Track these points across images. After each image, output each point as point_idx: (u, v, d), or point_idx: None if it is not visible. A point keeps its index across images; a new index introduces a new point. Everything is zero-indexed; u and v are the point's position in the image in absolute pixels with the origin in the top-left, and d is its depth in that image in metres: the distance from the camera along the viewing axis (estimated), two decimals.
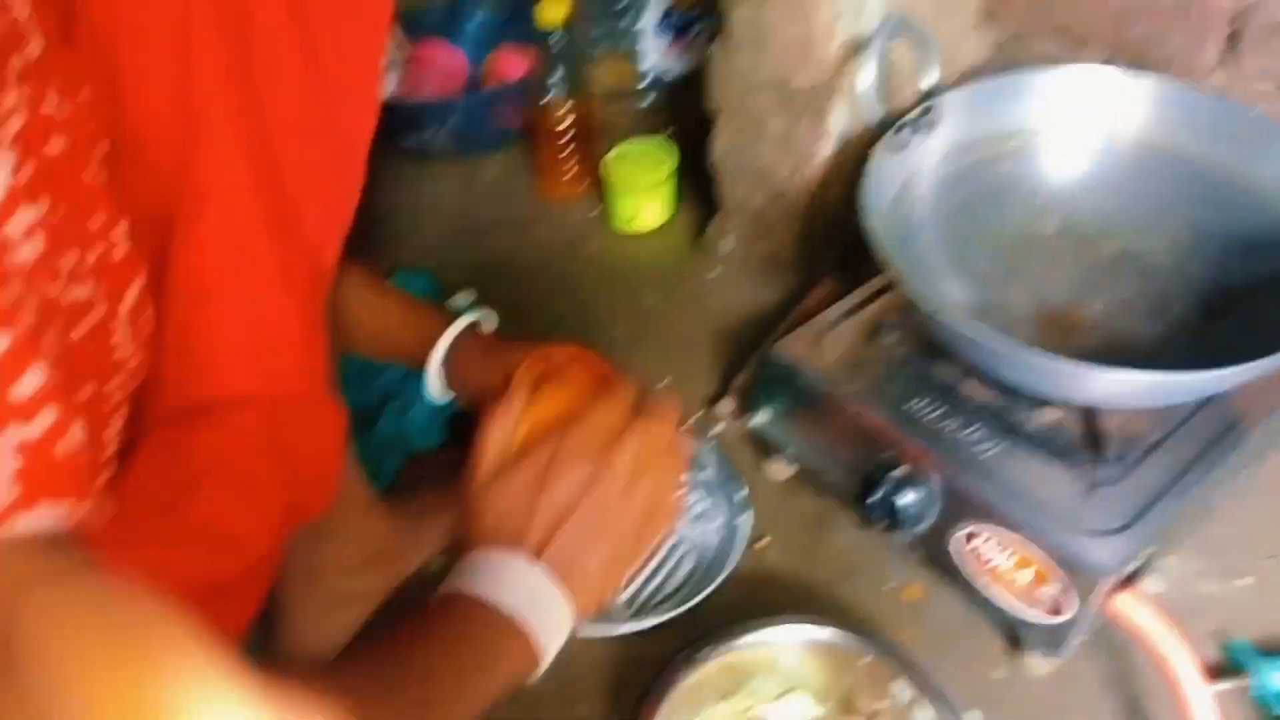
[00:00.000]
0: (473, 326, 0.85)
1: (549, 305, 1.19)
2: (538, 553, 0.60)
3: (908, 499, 0.82)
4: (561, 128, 1.28)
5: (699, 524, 0.94)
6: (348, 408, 0.77)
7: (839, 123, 1.05)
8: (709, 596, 0.86)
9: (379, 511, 0.83)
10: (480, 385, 0.82)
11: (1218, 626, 0.86)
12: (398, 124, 1.35)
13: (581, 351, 0.82)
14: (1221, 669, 0.83)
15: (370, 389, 1.01)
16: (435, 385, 0.85)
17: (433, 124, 1.35)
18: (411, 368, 0.88)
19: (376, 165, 0.66)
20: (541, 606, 0.59)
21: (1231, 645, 0.83)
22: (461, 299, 1.17)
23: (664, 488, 0.64)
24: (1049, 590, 0.76)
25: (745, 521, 0.91)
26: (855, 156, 0.95)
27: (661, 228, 1.30)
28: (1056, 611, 0.77)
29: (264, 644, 0.83)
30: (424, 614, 0.58)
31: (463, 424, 1.04)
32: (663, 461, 0.64)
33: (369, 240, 0.86)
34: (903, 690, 0.75)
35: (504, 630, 0.58)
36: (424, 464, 0.99)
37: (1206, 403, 0.85)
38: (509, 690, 0.59)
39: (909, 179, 0.93)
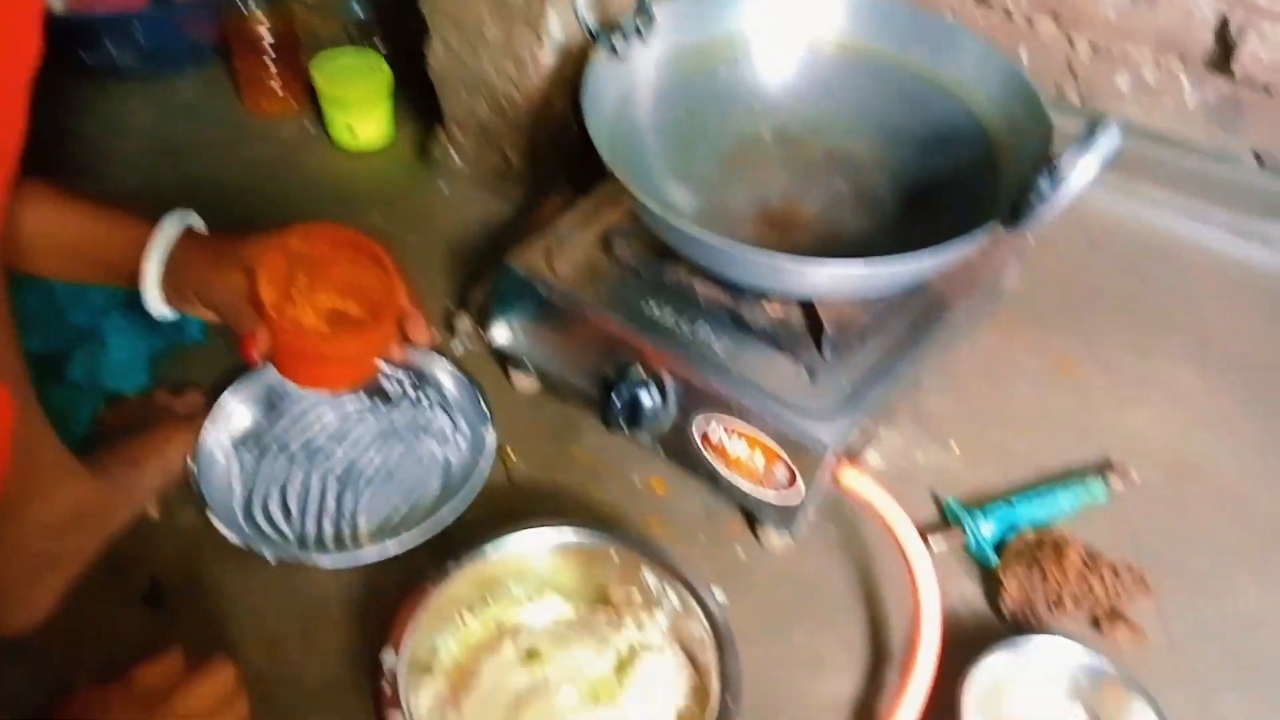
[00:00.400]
0: (186, 229, 0.79)
1: (264, 227, 1.11)
2: None
3: (646, 399, 0.84)
4: (263, 41, 1.19)
5: (443, 444, 0.92)
6: (32, 354, 0.70)
7: (555, 31, 1.03)
8: (459, 515, 0.85)
9: (74, 466, 0.75)
10: (212, 276, 0.77)
11: (933, 488, 0.94)
12: (74, 41, 1.21)
13: (313, 227, 0.81)
14: (939, 525, 0.91)
15: (58, 329, 0.90)
16: (155, 301, 0.78)
17: (113, 39, 1.22)
18: (119, 284, 0.80)
19: (54, 87, 0.58)
20: None
21: (946, 502, 0.91)
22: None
23: None
24: (779, 472, 0.81)
25: (490, 435, 0.90)
26: (576, 66, 0.94)
27: (384, 144, 1.24)
28: (788, 490, 0.81)
29: None
30: None
31: (167, 363, 0.96)
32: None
33: (52, 171, 0.76)
34: (649, 579, 0.77)
35: None
36: (126, 409, 0.91)
37: (913, 289, 0.91)
38: None
39: (630, 87, 0.93)
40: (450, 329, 1.02)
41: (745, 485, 0.83)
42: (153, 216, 0.80)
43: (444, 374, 0.95)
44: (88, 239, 0.77)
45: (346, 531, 0.86)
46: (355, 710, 0.74)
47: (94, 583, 0.80)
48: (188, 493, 0.86)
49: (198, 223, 0.82)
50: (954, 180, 0.93)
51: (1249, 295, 1.15)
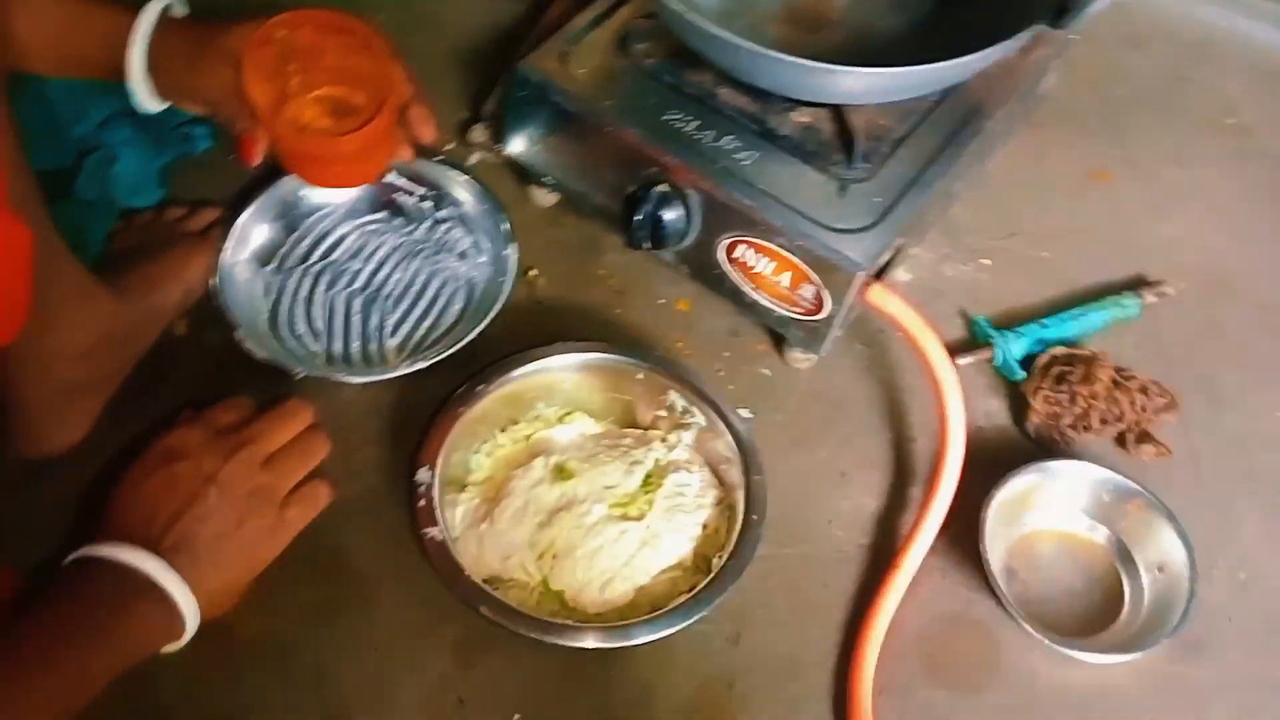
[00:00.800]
0: (166, 13, 0.75)
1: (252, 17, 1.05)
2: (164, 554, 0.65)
3: (670, 215, 0.81)
4: None
5: (464, 261, 0.91)
6: (37, 171, 0.68)
7: None
8: (483, 332, 0.84)
9: (96, 288, 0.74)
10: (199, 69, 0.75)
11: (963, 306, 0.92)
12: None
13: (299, 13, 0.76)
14: (968, 344, 0.90)
15: (63, 145, 0.87)
16: (143, 93, 0.76)
17: None
18: (107, 77, 0.77)
19: None
20: (173, 579, 0.64)
21: (975, 321, 0.90)
22: None
23: (298, 494, 0.72)
24: (807, 291, 0.79)
25: (512, 253, 0.88)
26: None
27: None
28: (816, 309, 0.80)
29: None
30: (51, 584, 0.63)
31: (179, 175, 0.94)
32: (287, 469, 0.72)
33: None
34: (676, 399, 0.77)
35: (138, 586, 0.63)
36: (139, 225, 0.89)
37: (947, 94, 0.86)
38: (148, 651, 0.65)
39: None
40: (464, 139, 0.98)
41: (771, 304, 0.82)
42: (130, 8, 0.76)
43: (461, 189, 0.92)
44: (73, 31, 0.74)
45: (374, 350, 0.85)
46: (393, 521, 0.76)
47: (125, 403, 0.81)
48: (211, 311, 0.85)
49: (178, 8, 0.78)
50: None
51: None
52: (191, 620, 0.65)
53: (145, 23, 0.73)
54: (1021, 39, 0.74)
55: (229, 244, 0.86)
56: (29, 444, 0.74)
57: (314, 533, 0.76)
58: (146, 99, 0.77)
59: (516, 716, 0.70)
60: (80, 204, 0.87)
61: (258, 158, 0.78)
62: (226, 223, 0.88)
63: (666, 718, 0.71)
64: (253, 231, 0.89)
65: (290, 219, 0.90)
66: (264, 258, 0.89)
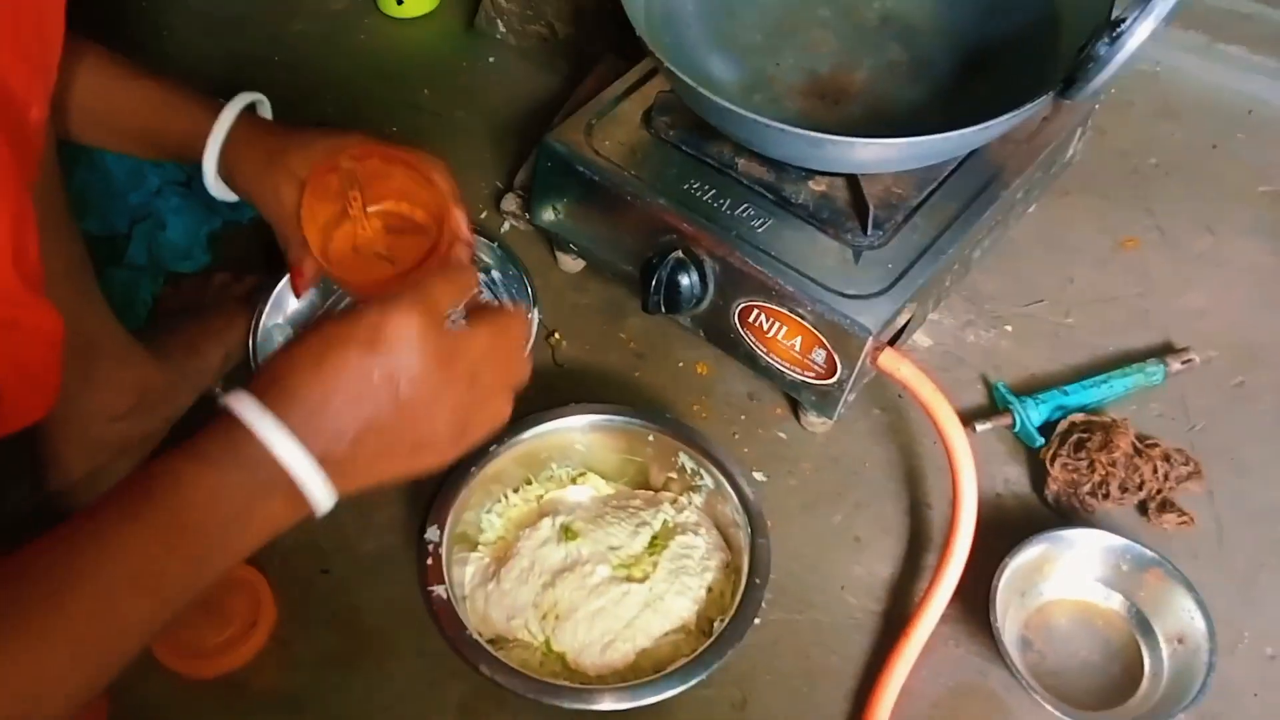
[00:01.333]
0: (250, 110, 0.74)
1: (314, 105, 1.11)
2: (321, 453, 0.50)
3: (685, 281, 0.83)
4: None
5: None
6: (92, 236, 0.71)
7: None
8: None
9: (137, 352, 0.78)
10: (264, 183, 0.73)
11: (984, 372, 0.92)
12: None
13: (374, 144, 0.74)
14: (988, 410, 0.89)
15: (117, 210, 0.93)
16: (213, 181, 0.74)
17: None
18: (177, 160, 0.79)
19: None
20: (324, 493, 0.51)
21: (996, 387, 0.90)
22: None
23: (488, 410, 0.56)
24: (819, 356, 0.80)
25: (534, 316, 0.91)
26: None
27: (431, 14, 1.22)
28: (828, 374, 0.80)
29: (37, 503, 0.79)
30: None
31: (225, 243, 0.98)
32: (498, 379, 0.57)
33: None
34: (686, 461, 0.78)
35: (283, 490, 0.49)
36: (185, 289, 0.93)
37: (965, 163, 0.87)
38: (273, 526, 0.51)
39: None
40: (497, 208, 1.02)
41: (785, 368, 0.83)
42: (213, 96, 0.76)
43: (490, 255, 0.95)
44: (147, 115, 0.73)
45: None
46: (406, 578, 0.78)
47: None
48: (249, 373, 0.88)
49: (264, 107, 0.78)
50: (1013, 45, 0.88)
51: None
52: (322, 500, 0.51)
53: (224, 124, 0.72)
54: (1030, 109, 0.75)
55: (266, 307, 0.90)
56: (66, 501, 0.78)
57: (330, 589, 0.79)
58: (221, 191, 0.76)
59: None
60: (129, 268, 0.92)
61: (304, 290, 0.77)
62: (265, 287, 0.92)
63: None
64: (289, 296, 0.92)
65: (326, 283, 0.94)
66: (300, 322, 0.92)
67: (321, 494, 0.51)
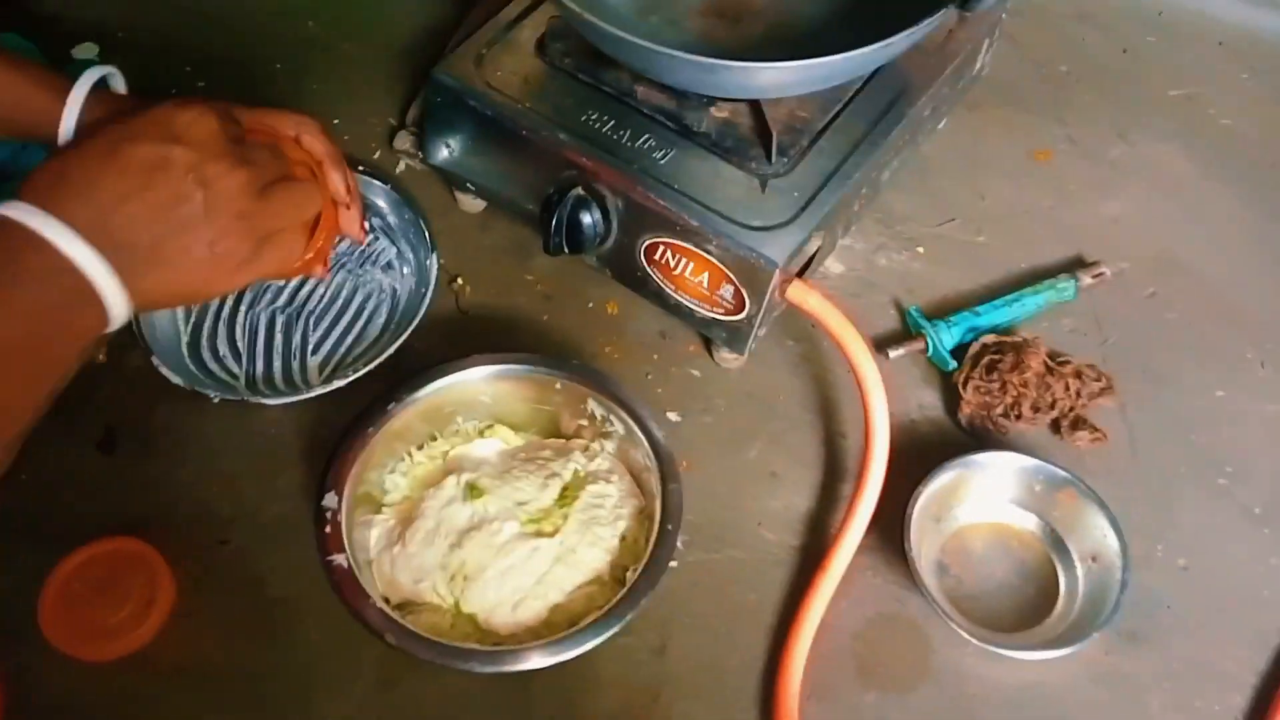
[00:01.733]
0: (100, 86, 0.70)
1: (194, 44, 1.04)
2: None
3: (586, 219, 0.80)
4: None
5: (389, 273, 0.90)
6: None
7: None
8: (406, 346, 0.83)
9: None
10: None
11: (897, 296, 0.91)
12: None
13: (246, 108, 0.67)
14: (901, 335, 0.88)
15: None
16: None
17: None
18: (30, 142, 0.74)
19: None
20: (100, 269, 0.51)
21: (908, 312, 0.88)
22: (82, 52, 1.01)
23: (283, 238, 0.59)
24: (727, 292, 0.78)
25: (434, 261, 0.87)
26: None
27: None
28: (737, 309, 0.78)
29: None
30: None
31: None
32: (289, 204, 0.59)
33: None
34: (595, 407, 0.76)
35: (49, 262, 0.50)
36: None
37: (869, 82, 0.85)
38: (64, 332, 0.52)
39: None
40: (391, 147, 0.97)
41: (694, 305, 0.80)
42: (63, 75, 0.70)
43: (385, 199, 0.90)
44: None
45: (296, 369, 0.84)
46: (310, 544, 0.74)
47: (47, 432, 0.80)
48: (133, 335, 0.84)
49: (117, 80, 0.72)
50: None
51: (1255, 69, 1.07)
52: (117, 307, 0.53)
53: (73, 109, 0.67)
54: (930, 25, 0.72)
55: None
56: None
57: (231, 560, 0.76)
58: None
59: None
60: None
61: None
62: None
63: None
64: None
65: None
66: None
67: (117, 301, 0.52)
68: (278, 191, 0.60)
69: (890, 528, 0.76)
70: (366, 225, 0.90)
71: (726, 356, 0.85)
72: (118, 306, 0.52)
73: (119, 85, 0.72)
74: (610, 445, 0.77)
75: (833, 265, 0.91)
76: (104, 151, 0.52)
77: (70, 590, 0.72)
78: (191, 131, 0.54)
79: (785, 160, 0.80)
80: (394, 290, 0.89)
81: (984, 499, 0.79)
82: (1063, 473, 0.77)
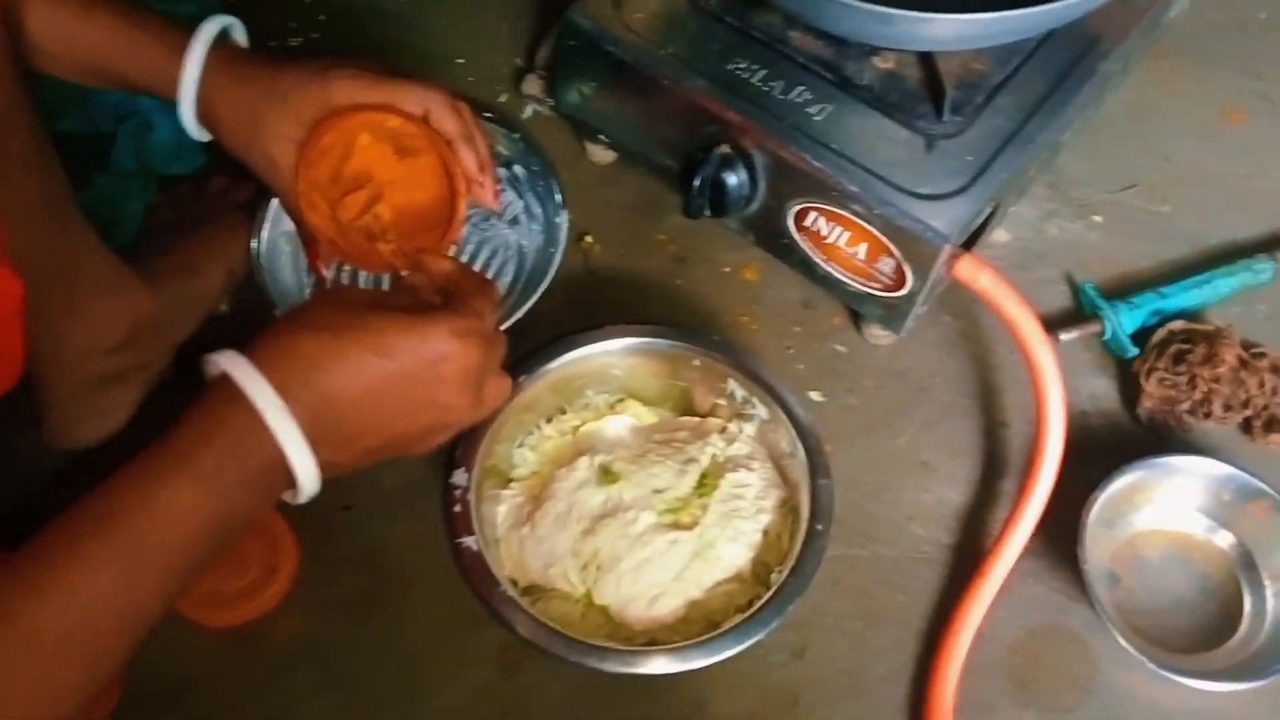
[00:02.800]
0: (221, 39, 0.65)
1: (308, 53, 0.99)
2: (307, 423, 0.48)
3: (732, 180, 0.73)
4: None
5: (515, 228, 0.85)
6: (73, 137, 0.62)
7: None
8: (533, 308, 0.78)
9: (127, 278, 0.70)
10: (252, 149, 0.65)
11: (1069, 270, 0.83)
12: None
13: (363, 84, 0.63)
14: (1073, 316, 0.80)
15: (97, 107, 0.83)
16: (194, 128, 0.66)
17: None
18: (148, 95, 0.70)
19: None
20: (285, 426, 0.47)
21: (1083, 289, 0.80)
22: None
23: (460, 408, 0.53)
24: (887, 264, 0.71)
25: (564, 221, 0.82)
26: None
27: None
28: (896, 285, 0.71)
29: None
30: None
31: None
32: (471, 379, 0.53)
33: None
34: (735, 388, 0.71)
35: (240, 415, 0.46)
36: (179, 197, 0.84)
37: (1055, 31, 0.75)
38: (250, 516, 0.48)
39: None
40: (518, 91, 0.91)
41: (846, 278, 0.73)
42: (183, 27, 0.65)
43: (510, 148, 0.85)
44: (106, 52, 0.64)
45: None
46: (433, 514, 0.71)
47: (166, 388, 0.78)
48: (255, 286, 0.81)
49: (238, 30, 0.67)
50: None
51: None
52: (307, 484, 0.49)
53: (193, 65, 0.62)
54: None
55: (269, 214, 0.81)
56: (62, 436, 0.72)
57: (353, 528, 0.73)
58: (204, 137, 0.67)
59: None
60: (117, 177, 0.83)
61: (326, 267, 0.76)
62: (268, 192, 0.83)
63: None
64: None
65: None
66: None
67: (310, 487, 0.49)
68: (489, 393, 0.55)
69: (1053, 530, 0.70)
70: (498, 186, 0.85)
71: (877, 333, 0.79)
72: (308, 491, 0.50)
73: (240, 36, 0.67)
74: (750, 428, 0.71)
75: (997, 234, 0.83)
76: (352, 353, 0.49)
77: None
78: (449, 368, 0.51)
79: (958, 119, 0.72)
80: (520, 247, 0.84)
81: (1165, 505, 0.72)
82: (1258, 483, 0.69)
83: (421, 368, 0.50)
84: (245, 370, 0.47)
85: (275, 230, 0.81)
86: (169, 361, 0.77)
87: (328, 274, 0.75)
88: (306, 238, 0.71)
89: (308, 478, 0.48)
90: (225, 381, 0.47)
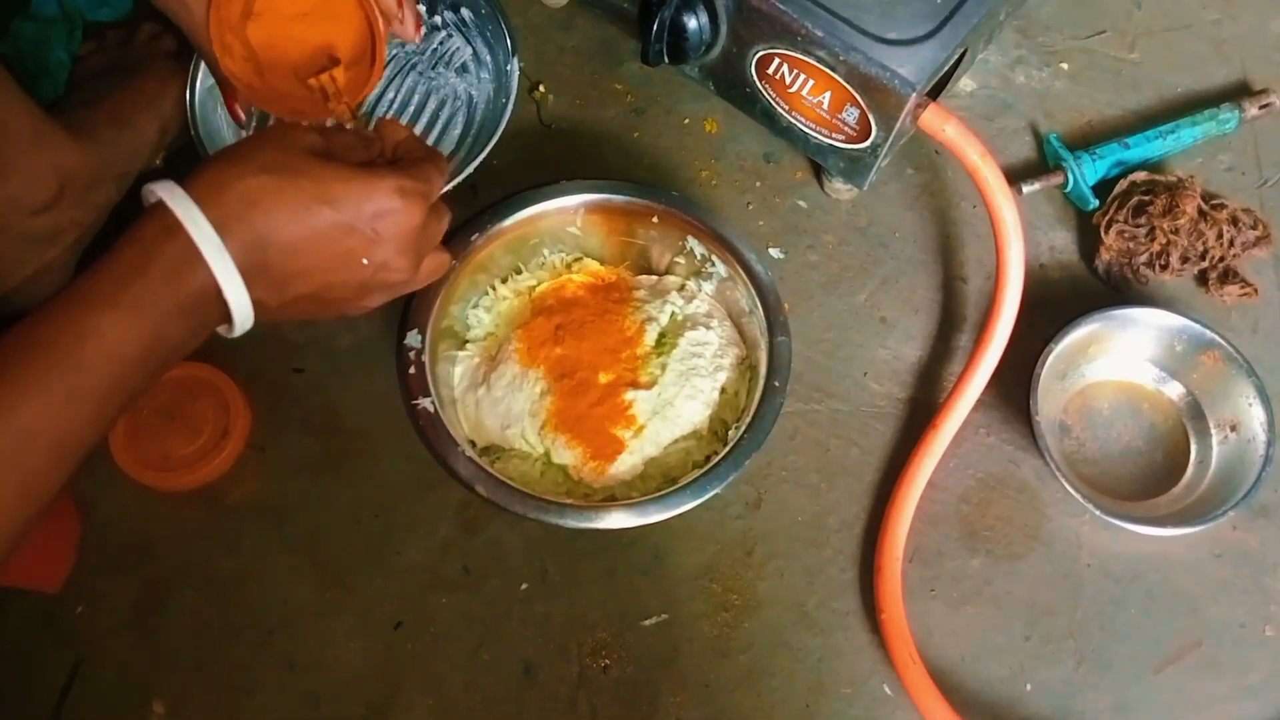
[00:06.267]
0: None
1: None
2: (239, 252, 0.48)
3: (692, 24, 0.70)
4: None
5: (464, 76, 0.81)
6: None
7: None
8: (484, 162, 0.75)
9: (52, 131, 0.66)
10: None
11: (1034, 120, 0.81)
12: None
13: None
14: (1037, 167, 0.79)
15: None
16: None
17: None
18: None
19: None
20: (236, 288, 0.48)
21: (1047, 140, 0.78)
22: None
23: (397, 270, 0.53)
24: (851, 113, 0.68)
25: (515, 67, 0.78)
26: None
27: None
28: (860, 136, 0.69)
29: None
30: None
31: None
32: (408, 242, 0.53)
33: None
34: (694, 245, 0.69)
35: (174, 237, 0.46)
36: (107, 45, 0.79)
37: None
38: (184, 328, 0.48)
39: None
40: None
41: (809, 129, 0.71)
42: None
43: None
44: None
45: None
46: (388, 374, 0.70)
47: (104, 248, 0.75)
48: (191, 140, 0.77)
49: None
50: None
51: None
52: (241, 318, 0.49)
53: None
54: None
55: (202, 64, 0.77)
56: (10, 306, 0.69)
57: (306, 390, 0.72)
58: None
59: (524, 586, 0.67)
60: (39, 23, 0.78)
61: (243, 113, 0.73)
62: None
63: (680, 587, 0.67)
64: None
65: None
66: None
67: (244, 321, 0.49)
68: (427, 265, 0.56)
69: (1007, 382, 0.71)
70: (440, 19, 0.80)
71: (839, 187, 0.77)
72: (241, 326, 0.50)
73: None
74: (709, 286, 0.70)
75: (964, 81, 0.81)
76: (294, 197, 0.49)
77: (140, 418, 0.68)
78: (388, 225, 0.51)
79: None
80: (470, 97, 0.80)
81: (1117, 357, 0.72)
82: (1210, 333, 0.69)
83: (362, 221, 0.50)
84: (182, 201, 0.47)
85: (209, 80, 0.77)
86: (103, 222, 0.74)
87: (244, 116, 0.72)
88: (222, 80, 0.69)
89: (241, 310, 0.49)
90: (161, 210, 0.47)
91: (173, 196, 0.47)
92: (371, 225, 0.51)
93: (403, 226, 0.52)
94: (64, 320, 0.45)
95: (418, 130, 0.79)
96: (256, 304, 0.49)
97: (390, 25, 0.65)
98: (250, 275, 0.48)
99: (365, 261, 0.52)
